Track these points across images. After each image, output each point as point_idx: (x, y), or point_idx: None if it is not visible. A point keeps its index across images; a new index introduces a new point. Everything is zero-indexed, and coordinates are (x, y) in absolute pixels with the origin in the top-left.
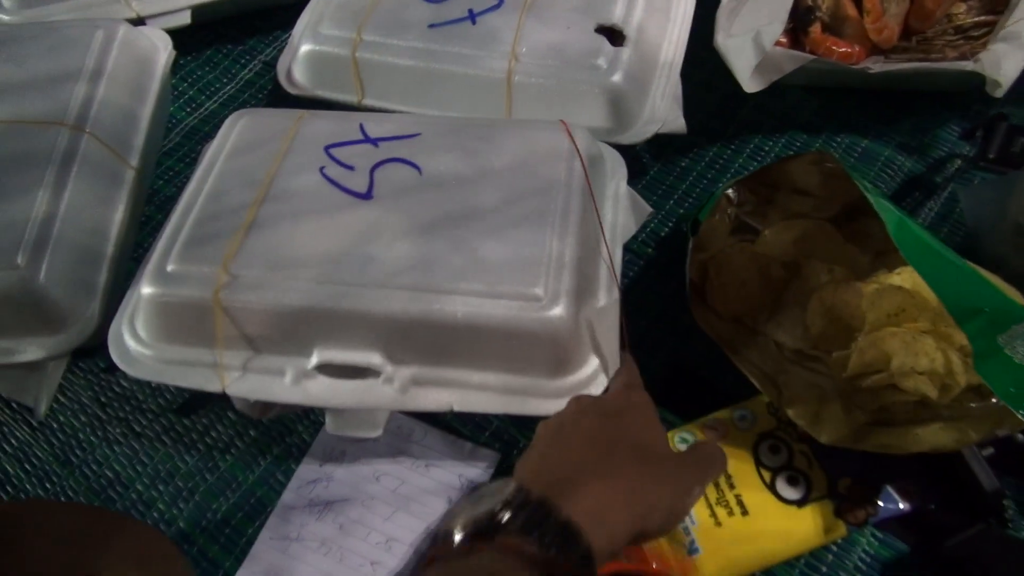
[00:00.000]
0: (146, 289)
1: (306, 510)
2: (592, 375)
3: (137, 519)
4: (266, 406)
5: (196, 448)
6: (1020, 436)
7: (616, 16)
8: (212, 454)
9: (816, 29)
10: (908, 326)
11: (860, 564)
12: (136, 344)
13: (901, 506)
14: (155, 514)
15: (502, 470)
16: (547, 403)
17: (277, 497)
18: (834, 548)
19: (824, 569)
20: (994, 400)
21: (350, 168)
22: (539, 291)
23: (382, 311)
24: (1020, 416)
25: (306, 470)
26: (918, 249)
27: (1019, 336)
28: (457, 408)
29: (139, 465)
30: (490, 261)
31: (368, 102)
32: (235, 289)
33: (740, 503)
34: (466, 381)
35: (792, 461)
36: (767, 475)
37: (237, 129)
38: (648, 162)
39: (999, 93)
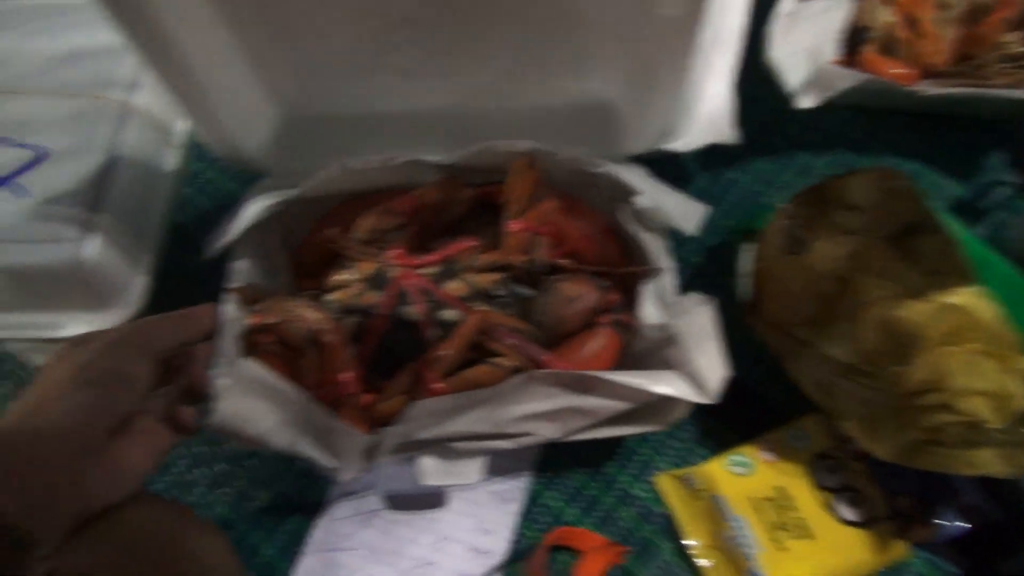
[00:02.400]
0: None
1: (351, 519)
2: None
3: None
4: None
5: None
6: None
7: None
8: None
9: (870, 49)
10: (965, 347)
11: None
12: None
13: (961, 524)
14: (191, 499)
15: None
16: None
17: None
18: (882, 572)
19: None
20: None
21: None
22: None
23: None
24: None
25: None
26: (995, 272)
27: None
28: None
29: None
30: None
31: None
32: None
33: (801, 526)
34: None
35: (850, 481)
36: (826, 496)
37: None
38: (695, 171)
39: None
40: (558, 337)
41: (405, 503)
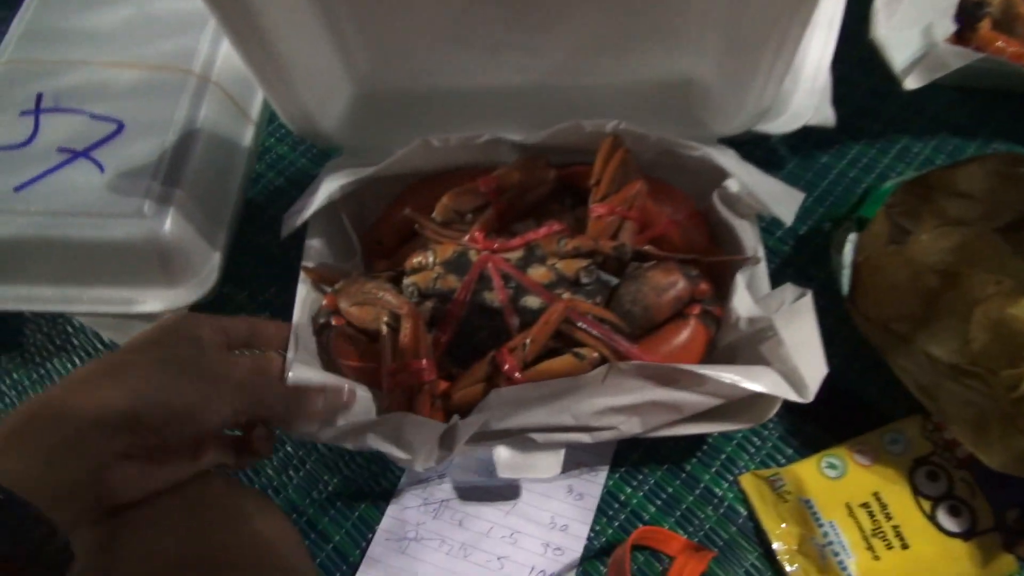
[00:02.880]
0: None
1: (421, 508)
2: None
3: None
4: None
5: None
6: None
7: None
8: None
9: (986, 26)
10: None
11: None
12: None
13: None
14: (263, 480)
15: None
16: None
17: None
18: None
19: None
20: None
21: None
22: None
23: None
24: None
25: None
26: None
27: None
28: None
29: None
30: None
31: None
32: None
33: (899, 535)
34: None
35: (953, 489)
36: (927, 505)
37: None
38: (785, 155)
39: None
40: (644, 328)
41: (478, 494)
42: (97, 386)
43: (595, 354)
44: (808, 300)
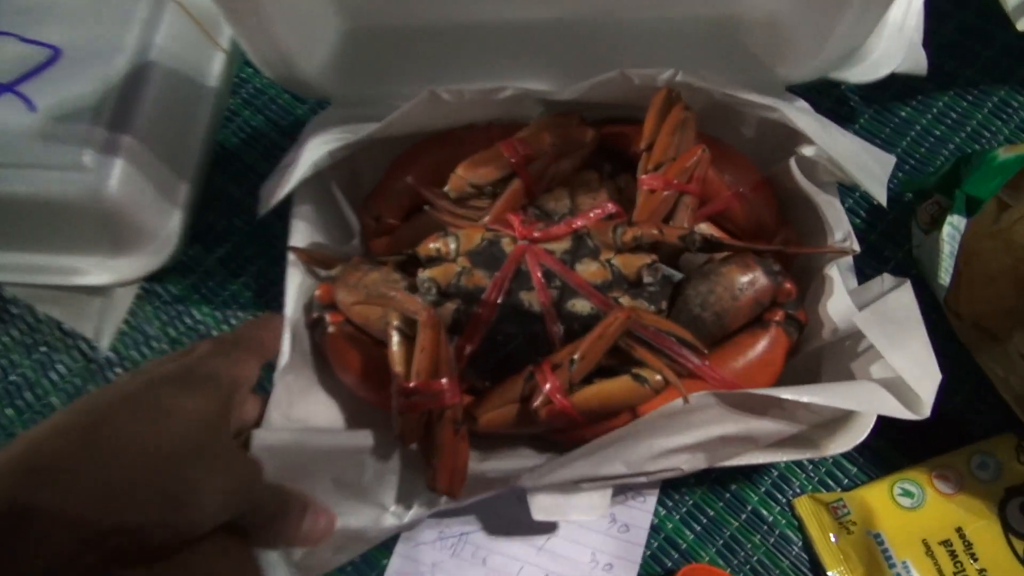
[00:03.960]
0: None
1: (437, 544)
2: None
3: None
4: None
5: None
6: None
7: None
8: None
9: None
10: None
11: None
12: None
13: None
14: None
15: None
16: None
17: None
18: None
19: None
20: None
21: None
22: None
23: None
24: None
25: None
26: None
27: None
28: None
29: None
30: None
31: None
32: None
33: None
34: None
35: None
36: (1020, 546)
37: None
38: (856, 106)
39: None
40: (715, 337)
41: (505, 525)
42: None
43: (658, 377)
44: (908, 292)
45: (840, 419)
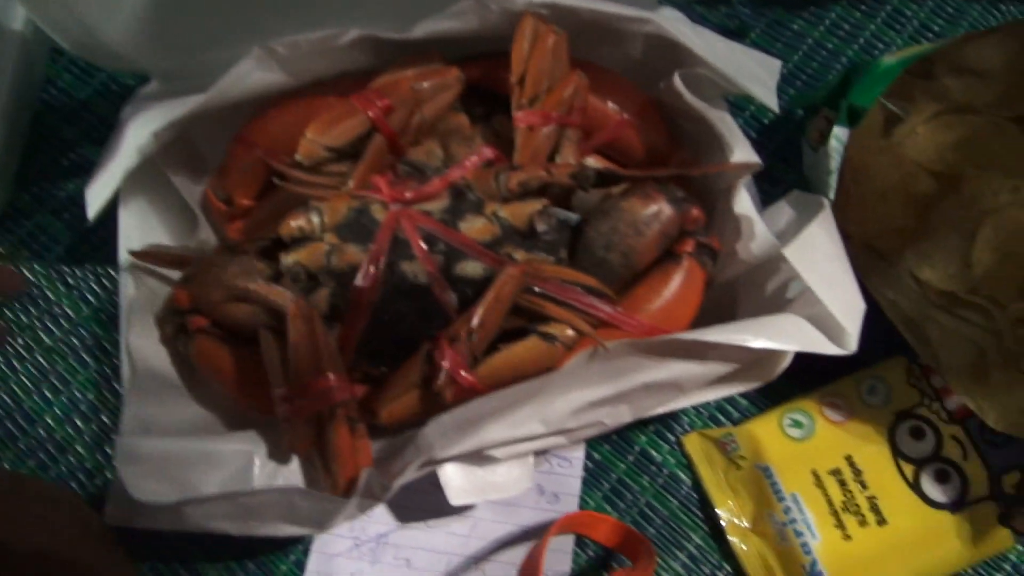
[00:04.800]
0: None
1: (353, 553)
2: None
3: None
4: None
5: None
6: None
7: None
8: None
9: None
10: None
11: None
12: None
13: None
14: (71, 459)
15: None
16: None
17: None
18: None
19: None
20: None
21: None
22: None
23: None
24: None
25: None
26: None
27: None
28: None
29: (49, 391)
30: None
31: None
32: None
33: (875, 508)
34: None
35: (941, 450)
36: (909, 470)
37: None
38: (747, 21)
39: None
40: (624, 279)
41: (423, 515)
42: None
43: (569, 331)
44: (827, 215)
45: (764, 355)
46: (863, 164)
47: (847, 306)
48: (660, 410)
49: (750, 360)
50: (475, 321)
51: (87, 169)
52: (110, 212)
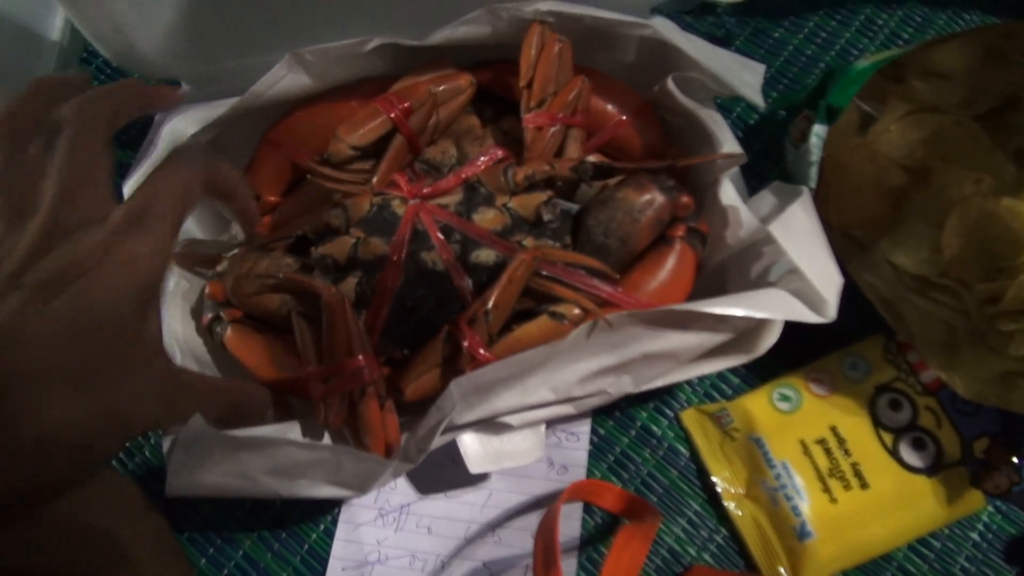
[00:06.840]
0: None
1: (378, 522)
2: None
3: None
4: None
5: None
6: None
7: None
8: None
9: None
10: None
11: (980, 541)
12: None
13: None
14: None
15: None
16: None
17: None
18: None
19: (938, 546)
20: None
21: None
22: None
23: None
24: None
25: None
26: None
27: None
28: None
29: None
30: None
31: None
32: None
33: (858, 474)
34: None
35: (917, 419)
36: (888, 438)
37: None
38: (732, 30)
39: None
40: (623, 263)
41: (441, 487)
42: None
43: (576, 310)
44: (807, 199)
45: (753, 328)
46: (841, 160)
47: (826, 277)
48: (659, 382)
49: (741, 330)
50: (490, 303)
51: (119, 171)
52: None
